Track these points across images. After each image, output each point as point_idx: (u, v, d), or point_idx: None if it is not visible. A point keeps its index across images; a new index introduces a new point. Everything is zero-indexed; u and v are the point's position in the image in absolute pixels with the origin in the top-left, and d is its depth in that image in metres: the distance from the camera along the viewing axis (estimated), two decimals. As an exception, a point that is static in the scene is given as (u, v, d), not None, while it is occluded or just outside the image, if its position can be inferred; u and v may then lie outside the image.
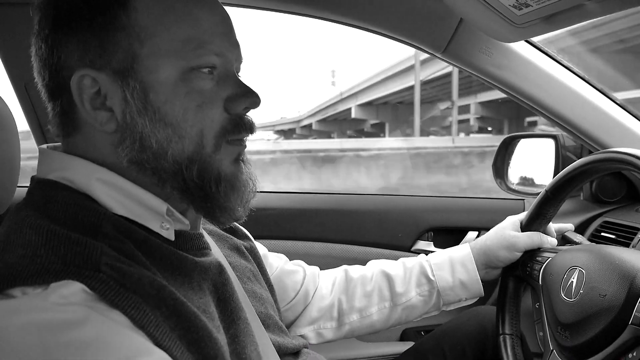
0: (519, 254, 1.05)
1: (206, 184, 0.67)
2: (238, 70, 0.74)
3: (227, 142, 0.69)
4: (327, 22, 1.23)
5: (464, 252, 1.07)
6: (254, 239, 0.99)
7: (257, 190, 0.75)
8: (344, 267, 1.11)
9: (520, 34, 1.08)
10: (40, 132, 1.40)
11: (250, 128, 0.71)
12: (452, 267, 1.05)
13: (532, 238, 1.04)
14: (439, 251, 1.11)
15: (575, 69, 1.29)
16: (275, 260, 1.06)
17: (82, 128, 0.67)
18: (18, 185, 0.91)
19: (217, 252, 0.81)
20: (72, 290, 0.54)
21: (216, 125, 0.67)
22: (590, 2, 0.84)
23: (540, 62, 1.26)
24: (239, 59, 0.73)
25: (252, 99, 0.70)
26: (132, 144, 0.65)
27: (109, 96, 0.65)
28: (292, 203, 1.64)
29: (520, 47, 1.24)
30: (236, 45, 0.72)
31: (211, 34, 0.67)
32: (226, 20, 0.71)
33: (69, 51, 0.64)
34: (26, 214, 0.62)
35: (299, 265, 1.09)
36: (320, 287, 1.08)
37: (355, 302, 1.05)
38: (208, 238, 0.80)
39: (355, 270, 1.10)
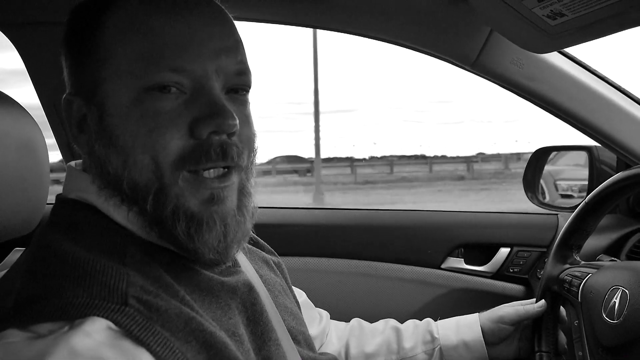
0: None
1: (164, 218, 0.60)
2: (233, 81, 0.63)
3: (188, 171, 0.60)
4: (355, 35, 1.22)
5: (471, 316, 1.07)
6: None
7: (251, 223, 0.66)
8: (356, 319, 1.13)
9: (554, 44, 1.04)
10: (67, 148, 1.41)
11: (218, 156, 0.60)
12: (457, 327, 1.05)
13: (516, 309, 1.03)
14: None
15: (610, 79, 1.25)
16: (297, 292, 1.02)
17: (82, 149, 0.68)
18: (47, 202, 0.91)
19: (247, 267, 0.79)
20: (96, 328, 0.51)
21: (172, 152, 0.59)
22: (634, 10, 0.80)
23: (574, 72, 1.22)
24: (223, 69, 0.62)
25: (217, 120, 0.59)
26: (96, 168, 0.63)
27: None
28: (316, 219, 1.62)
29: (552, 58, 1.21)
30: (215, 55, 0.61)
31: (171, 46, 0.59)
32: (193, 28, 0.61)
33: (65, 75, 0.67)
34: (51, 239, 0.61)
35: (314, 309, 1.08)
36: (332, 330, 1.08)
37: (363, 349, 1.05)
38: (239, 253, 0.77)
39: (366, 323, 1.11)
